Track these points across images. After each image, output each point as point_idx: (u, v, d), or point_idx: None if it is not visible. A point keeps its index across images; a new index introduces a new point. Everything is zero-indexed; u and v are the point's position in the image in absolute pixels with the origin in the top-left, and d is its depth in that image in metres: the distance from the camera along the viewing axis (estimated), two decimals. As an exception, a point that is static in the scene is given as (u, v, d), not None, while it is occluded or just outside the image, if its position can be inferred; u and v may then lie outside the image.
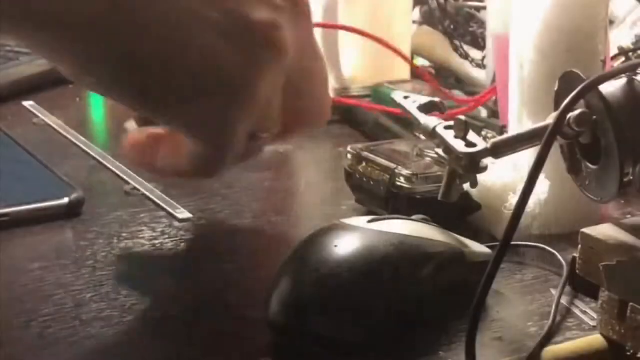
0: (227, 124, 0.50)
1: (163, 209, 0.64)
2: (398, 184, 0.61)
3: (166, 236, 0.61)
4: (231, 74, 0.48)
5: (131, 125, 0.57)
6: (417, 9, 1.09)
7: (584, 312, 0.51)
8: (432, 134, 0.53)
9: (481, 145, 0.50)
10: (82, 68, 0.48)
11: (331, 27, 0.88)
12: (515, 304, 0.52)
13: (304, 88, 0.54)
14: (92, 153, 0.74)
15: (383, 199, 0.62)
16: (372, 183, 0.62)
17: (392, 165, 0.62)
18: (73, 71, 0.48)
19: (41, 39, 0.47)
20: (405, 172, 0.61)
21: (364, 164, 0.64)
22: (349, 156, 0.65)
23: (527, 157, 0.56)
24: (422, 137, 0.57)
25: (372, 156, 0.63)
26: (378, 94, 0.88)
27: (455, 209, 0.57)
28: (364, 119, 0.84)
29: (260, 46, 0.48)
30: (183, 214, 0.64)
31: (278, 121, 0.53)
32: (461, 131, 0.51)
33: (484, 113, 0.83)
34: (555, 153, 0.49)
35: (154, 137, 0.55)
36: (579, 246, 0.48)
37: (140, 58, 0.47)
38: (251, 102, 0.49)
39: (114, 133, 0.77)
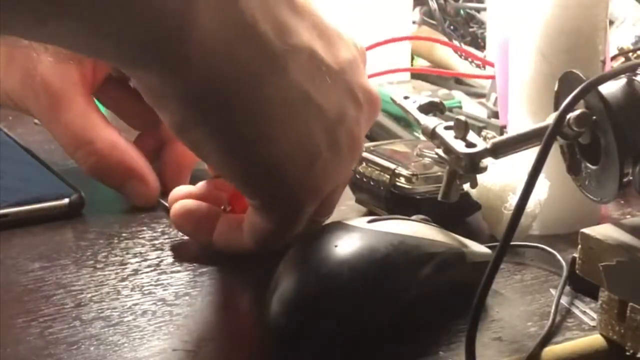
0: (298, 206, 0.52)
1: (162, 204, 0.65)
2: (398, 184, 0.61)
3: (166, 236, 0.61)
4: (313, 160, 0.50)
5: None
6: (417, 9, 1.09)
7: (584, 312, 0.51)
8: (432, 134, 0.53)
9: (481, 145, 0.50)
10: (188, 125, 0.49)
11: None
12: (515, 304, 0.52)
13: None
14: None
15: (383, 199, 0.62)
16: (372, 183, 0.63)
17: (392, 166, 0.62)
18: (175, 123, 0.49)
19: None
20: (405, 172, 0.61)
21: (364, 164, 0.64)
22: (349, 156, 0.65)
23: (527, 157, 0.56)
24: (423, 137, 0.57)
25: (372, 156, 0.64)
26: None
27: (455, 209, 0.57)
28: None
29: (345, 139, 0.52)
30: None
31: (334, 208, 0.56)
32: (461, 131, 0.51)
33: (484, 113, 0.83)
34: (555, 153, 0.49)
35: (210, 213, 0.58)
36: (579, 246, 0.48)
37: (244, 131, 0.48)
38: (322, 188, 0.52)
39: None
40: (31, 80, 0.64)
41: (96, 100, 0.70)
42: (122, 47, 0.44)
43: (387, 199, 0.61)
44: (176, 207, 0.59)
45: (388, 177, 0.61)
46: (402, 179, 0.61)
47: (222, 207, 0.59)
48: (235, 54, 0.46)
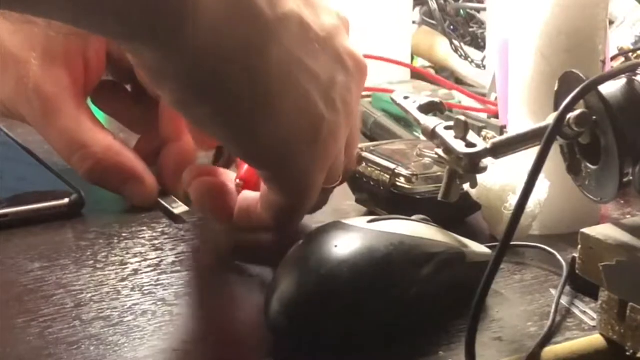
0: (310, 174, 0.53)
1: (162, 204, 0.65)
2: (398, 184, 0.61)
3: (166, 236, 0.61)
4: (319, 124, 0.51)
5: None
6: (417, 9, 1.09)
7: (584, 312, 0.51)
8: (432, 134, 0.53)
9: (481, 145, 0.50)
10: (192, 101, 0.49)
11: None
12: (515, 304, 0.52)
13: (349, 150, 0.57)
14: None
15: (383, 199, 0.62)
16: (372, 183, 0.63)
17: (392, 166, 0.62)
18: (176, 101, 0.50)
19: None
20: (405, 172, 0.61)
21: (364, 164, 0.64)
22: (350, 157, 0.65)
23: (526, 157, 0.56)
24: (422, 137, 0.57)
25: (372, 156, 0.64)
26: (378, 94, 0.88)
27: (455, 209, 0.57)
28: (364, 120, 0.84)
29: (340, 103, 0.52)
30: (180, 208, 0.64)
31: (340, 175, 0.57)
32: (461, 131, 0.51)
33: (484, 113, 0.83)
34: (555, 153, 0.49)
35: (230, 191, 0.58)
36: (579, 246, 0.48)
37: (248, 103, 0.49)
38: (331, 152, 0.53)
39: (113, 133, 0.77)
40: (24, 88, 0.64)
41: (94, 107, 0.70)
42: (123, 22, 0.44)
43: (388, 199, 0.61)
44: (197, 184, 0.59)
45: (388, 177, 0.61)
46: (402, 179, 0.61)
47: (236, 185, 0.59)
48: (233, 27, 0.47)
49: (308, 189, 0.53)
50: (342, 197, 0.66)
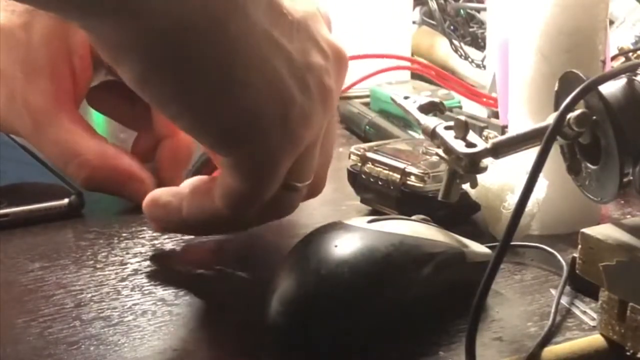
0: (275, 158, 0.50)
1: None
2: (409, 182, 0.61)
3: (166, 236, 0.61)
4: (289, 104, 0.49)
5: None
6: (417, 9, 1.09)
7: (584, 312, 0.51)
8: (432, 134, 0.53)
9: (481, 145, 0.50)
10: (149, 75, 0.47)
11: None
12: (515, 304, 0.52)
13: (325, 146, 0.55)
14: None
15: (393, 199, 0.61)
16: (380, 183, 0.62)
17: (402, 165, 0.62)
18: (137, 76, 0.47)
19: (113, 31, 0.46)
20: (416, 170, 0.61)
21: (369, 164, 0.63)
22: (353, 157, 0.65)
23: (525, 156, 0.56)
24: (423, 136, 0.57)
25: (377, 156, 0.63)
26: (377, 94, 0.88)
27: (465, 207, 0.57)
28: (357, 121, 0.84)
29: (315, 87, 0.50)
30: None
31: (313, 171, 0.55)
32: (461, 131, 0.51)
33: (484, 113, 0.83)
34: (555, 153, 0.49)
35: (179, 193, 0.56)
36: (579, 246, 0.48)
37: (212, 77, 0.47)
38: (300, 138, 0.50)
39: (113, 133, 0.77)
40: (14, 104, 0.64)
41: (91, 108, 0.71)
42: None
43: (398, 198, 0.61)
44: (144, 201, 0.58)
45: (398, 176, 0.61)
46: (413, 178, 0.61)
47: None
48: None
49: (270, 174, 0.51)
50: (343, 197, 0.66)
